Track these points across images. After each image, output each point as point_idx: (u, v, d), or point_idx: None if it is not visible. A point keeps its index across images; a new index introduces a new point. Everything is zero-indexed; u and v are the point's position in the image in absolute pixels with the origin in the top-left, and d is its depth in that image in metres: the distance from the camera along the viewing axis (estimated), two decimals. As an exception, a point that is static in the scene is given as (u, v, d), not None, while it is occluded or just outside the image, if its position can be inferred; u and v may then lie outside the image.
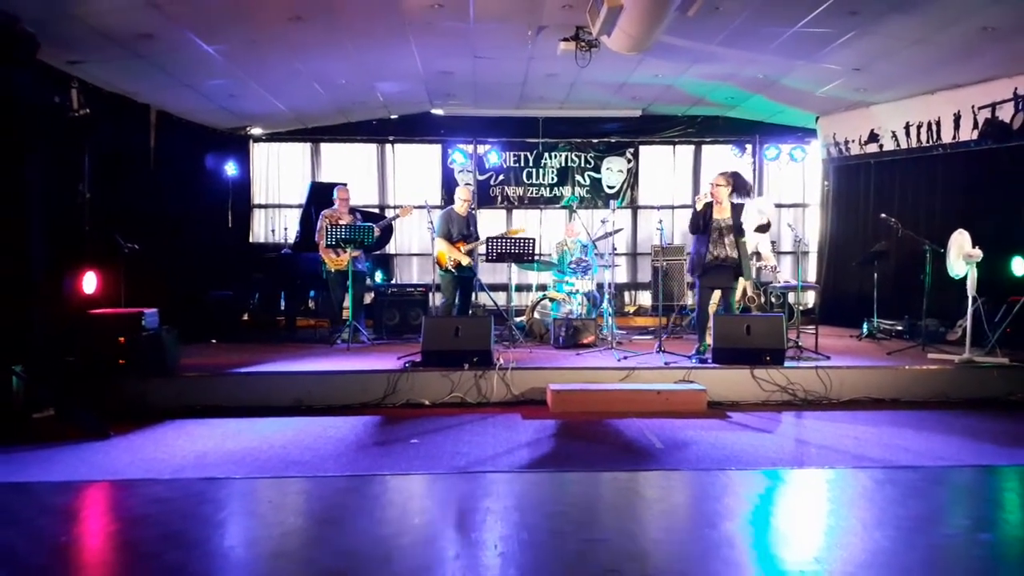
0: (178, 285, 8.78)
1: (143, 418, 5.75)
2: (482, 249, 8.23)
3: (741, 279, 7.48)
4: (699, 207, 7.06)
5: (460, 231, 8.27)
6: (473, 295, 9.06)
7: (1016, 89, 7.88)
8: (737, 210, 7.00)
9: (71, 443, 5.10)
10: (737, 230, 6.96)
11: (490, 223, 11.47)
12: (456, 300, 8.29)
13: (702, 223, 7.04)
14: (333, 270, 8.28)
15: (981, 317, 7.26)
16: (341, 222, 8.16)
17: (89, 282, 6.79)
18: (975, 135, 8.49)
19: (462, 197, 8.43)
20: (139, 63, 7.47)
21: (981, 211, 8.49)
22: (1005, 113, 7.99)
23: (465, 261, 8.17)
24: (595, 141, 11.98)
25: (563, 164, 11.99)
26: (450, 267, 8.14)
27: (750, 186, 7.23)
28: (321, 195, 9.19)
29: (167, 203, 9.00)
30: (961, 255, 7.14)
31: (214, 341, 8.54)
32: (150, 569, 3.21)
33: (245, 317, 9.62)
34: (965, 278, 7.16)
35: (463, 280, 8.31)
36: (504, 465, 4.63)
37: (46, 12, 6.02)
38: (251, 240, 11.39)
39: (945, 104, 8.94)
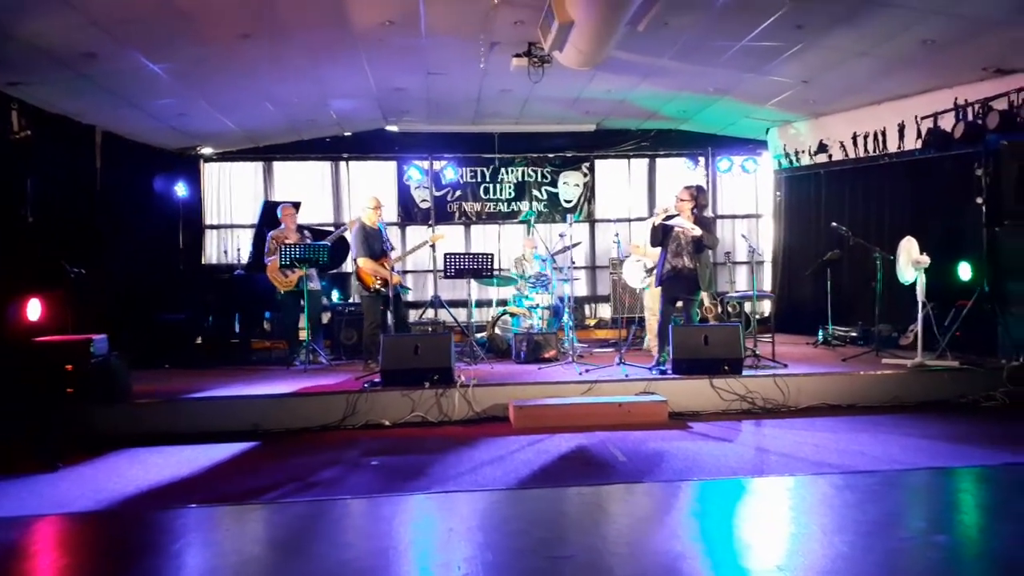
0: (128, 309, 8.57)
1: (94, 448, 5.57)
2: (440, 265, 8.10)
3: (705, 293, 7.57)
4: (656, 221, 7.17)
5: (380, 246, 7.79)
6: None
7: (956, 99, 8.11)
8: (700, 223, 7.04)
9: (18, 476, 4.93)
10: (697, 243, 7.02)
11: (446, 238, 11.40)
12: (385, 319, 7.72)
13: (660, 235, 7.13)
14: (283, 292, 8.12)
15: (931, 321, 7.43)
16: (288, 241, 8.03)
17: (33, 309, 6.57)
18: (919, 144, 8.71)
19: (371, 206, 7.90)
20: (83, 83, 7.29)
21: (927, 218, 8.72)
22: (947, 123, 8.21)
23: (394, 279, 7.67)
24: (551, 156, 12.03)
25: (520, 179, 12.02)
26: (378, 286, 7.70)
27: (706, 202, 7.32)
28: (274, 214, 9.06)
29: (115, 226, 8.79)
30: (910, 261, 7.31)
31: (167, 366, 8.32)
32: (100, 606, 3.10)
33: (199, 340, 9.40)
34: (915, 284, 7.33)
35: (387, 298, 7.69)
36: (467, 484, 4.59)
37: (-17, 32, 5.87)
38: (203, 261, 11.18)
39: (890, 114, 9.17)
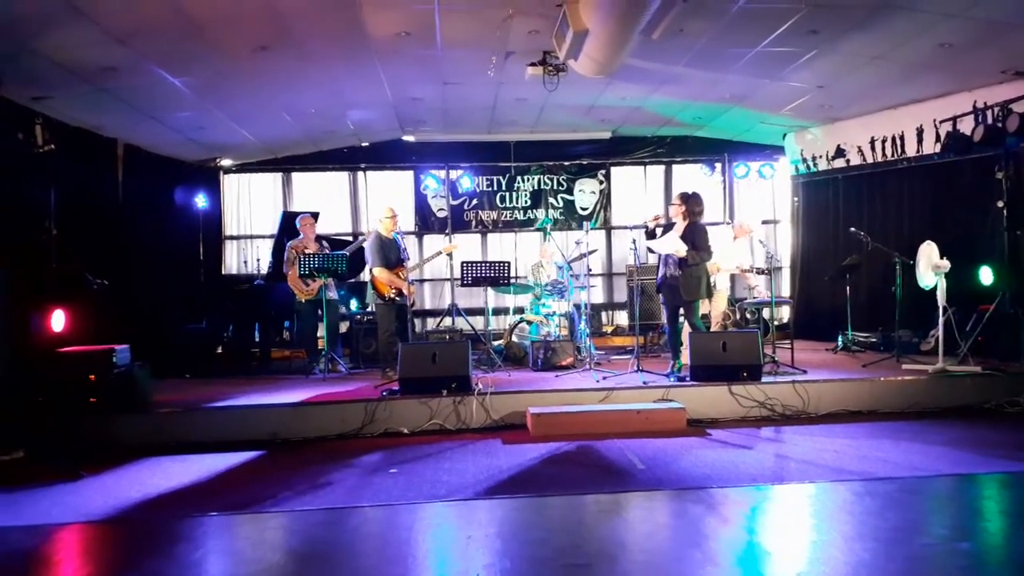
0: (150, 320, 8.67)
1: (116, 457, 5.63)
2: (457, 273, 8.13)
3: (714, 299, 7.49)
4: (650, 225, 7.26)
5: (396, 255, 7.92)
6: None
7: (975, 102, 8.04)
8: (690, 230, 6.98)
9: (42, 485, 4.98)
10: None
11: (463, 246, 11.43)
12: (403, 328, 7.87)
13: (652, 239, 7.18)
14: (304, 300, 8.22)
15: (952, 327, 7.36)
16: (307, 251, 8.11)
17: (57, 320, 6.67)
18: (938, 148, 8.65)
19: (387, 216, 8.01)
20: (104, 97, 7.42)
21: (947, 222, 8.65)
22: (966, 126, 8.14)
23: (409, 289, 7.80)
24: (567, 163, 12.06)
25: (536, 187, 12.05)
26: (392, 295, 7.82)
27: (700, 208, 7.14)
28: (293, 225, 9.13)
29: (136, 237, 8.92)
30: (930, 266, 7.24)
31: (188, 376, 8.41)
32: (123, 613, 3.13)
33: (219, 350, 9.49)
34: (935, 289, 7.26)
35: (401, 307, 7.89)
36: (485, 492, 4.59)
37: (7, 48, 5.97)
38: (223, 272, 11.30)
39: (908, 118, 9.12)
